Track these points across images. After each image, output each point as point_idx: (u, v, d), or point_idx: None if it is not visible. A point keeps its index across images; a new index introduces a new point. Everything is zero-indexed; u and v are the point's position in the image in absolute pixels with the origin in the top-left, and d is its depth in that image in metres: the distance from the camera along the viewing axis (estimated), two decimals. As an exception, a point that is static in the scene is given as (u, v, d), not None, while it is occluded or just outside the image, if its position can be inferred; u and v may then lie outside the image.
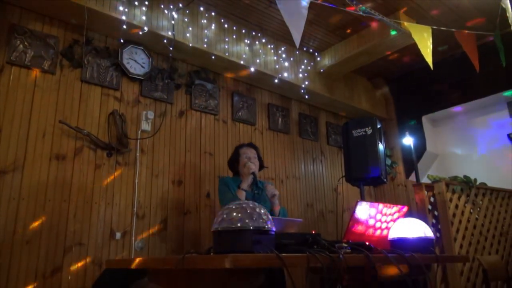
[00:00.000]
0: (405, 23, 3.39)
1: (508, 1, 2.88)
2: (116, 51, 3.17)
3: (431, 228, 2.72)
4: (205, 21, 3.51)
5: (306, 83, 4.16)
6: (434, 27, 3.26)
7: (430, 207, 3.69)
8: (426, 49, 3.19)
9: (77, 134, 2.84)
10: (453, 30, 3.31)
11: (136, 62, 3.24)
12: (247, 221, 1.21)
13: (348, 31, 3.96)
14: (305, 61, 4.26)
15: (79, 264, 2.66)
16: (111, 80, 3.11)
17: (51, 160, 2.71)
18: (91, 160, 2.89)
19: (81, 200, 2.77)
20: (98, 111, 3.00)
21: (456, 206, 3.65)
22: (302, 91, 4.18)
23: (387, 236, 1.96)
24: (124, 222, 2.92)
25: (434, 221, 3.66)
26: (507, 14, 2.86)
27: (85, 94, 2.96)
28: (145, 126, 3.18)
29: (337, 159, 4.77)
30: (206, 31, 3.48)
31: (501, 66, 3.31)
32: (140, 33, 3.12)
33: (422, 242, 1.81)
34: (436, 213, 3.66)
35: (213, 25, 3.55)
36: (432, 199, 3.74)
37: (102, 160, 2.94)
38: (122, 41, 3.19)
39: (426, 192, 3.68)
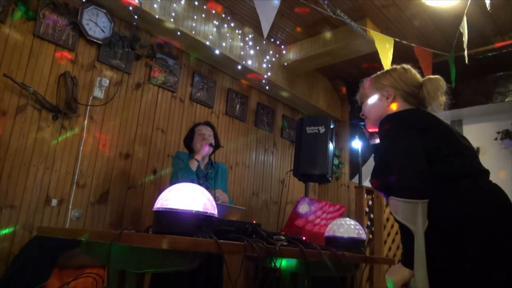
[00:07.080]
0: (371, 31, 3.50)
1: (466, 26, 3.06)
2: (76, 9, 2.99)
3: (365, 230, 2.88)
4: (175, -6, 3.40)
5: (269, 74, 4.18)
6: (397, 39, 3.39)
7: (367, 209, 3.88)
8: (386, 59, 3.32)
9: (22, 91, 2.67)
10: (413, 45, 3.47)
11: (97, 24, 3.08)
12: (190, 204, 1.20)
13: (316, 29, 4.01)
14: (271, 52, 4.27)
15: (8, 228, 2.52)
16: (67, 39, 2.94)
17: (-11, 114, 2.53)
18: (34, 121, 2.73)
19: (18, 160, 2.62)
20: (48, 70, 2.84)
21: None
22: (264, 81, 4.20)
23: (323, 232, 2.05)
24: (63, 189, 2.81)
25: (369, 223, 3.87)
26: (463, 38, 3.04)
27: (36, 50, 2.78)
28: (98, 93, 3.05)
29: (288, 152, 4.86)
30: (174, 5, 3.38)
31: (450, 86, 3.50)
32: (105, -5, 2.96)
33: (354, 242, 1.90)
34: (372, 216, 3.87)
35: (183, 0, 3.45)
36: (370, 202, 3.93)
37: (47, 122, 2.79)
38: (84, 0, 3.02)
39: (365, 195, 3.87)
